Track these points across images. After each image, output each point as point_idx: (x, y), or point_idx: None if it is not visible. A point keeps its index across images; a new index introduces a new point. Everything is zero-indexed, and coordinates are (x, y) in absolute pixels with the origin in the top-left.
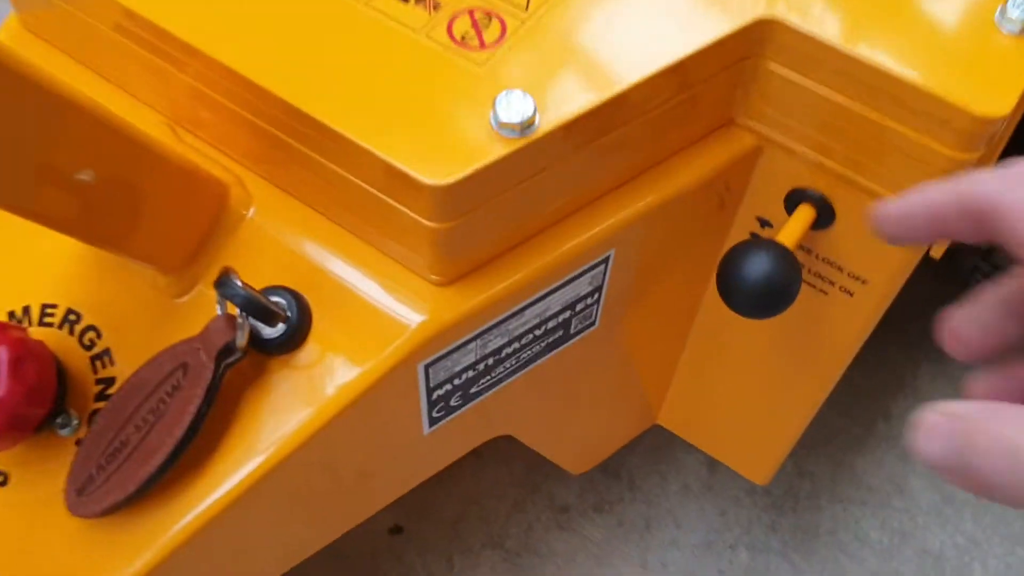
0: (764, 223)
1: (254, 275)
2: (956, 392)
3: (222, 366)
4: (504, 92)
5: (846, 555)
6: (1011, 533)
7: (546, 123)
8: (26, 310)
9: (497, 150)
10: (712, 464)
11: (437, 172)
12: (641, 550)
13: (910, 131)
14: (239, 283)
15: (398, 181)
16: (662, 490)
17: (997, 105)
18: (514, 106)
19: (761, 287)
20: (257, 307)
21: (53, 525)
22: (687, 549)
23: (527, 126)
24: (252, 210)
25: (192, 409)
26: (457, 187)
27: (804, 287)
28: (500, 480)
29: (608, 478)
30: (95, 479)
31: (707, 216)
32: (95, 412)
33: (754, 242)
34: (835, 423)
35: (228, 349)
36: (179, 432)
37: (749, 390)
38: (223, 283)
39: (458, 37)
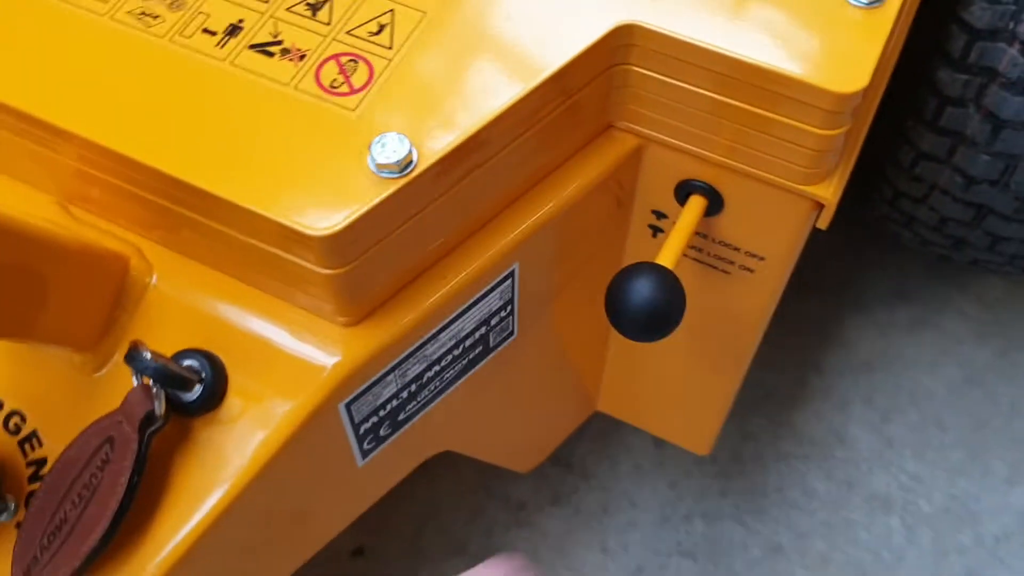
0: (659, 215)
1: (165, 341)
2: (881, 338)
3: (147, 435)
4: (379, 136)
5: (797, 509)
6: (951, 466)
7: (424, 160)
8: None
9: (379, 192)
10: (658, 441)
11: (323, 222)
12: (601, 536)
13: (778, 116)
14: (148, 355)
15: (287, 236)
16: (614, 473)
17: (855, 80)
18: (390, 148)
19: (644, 314)
20: (169, 376)
21: None
22: (645, 527)
23: (405, 165)
24: (154, 277)
25: (123, 480)
26: (345, 233)
27: (707, 269)
28: (454, 489)
29: (560, 470)
30: (39, 559)
31: (605, 215)
32: (31, 494)
33: (635, 268)
34: (769, 382)
35: (149, 418)
36: (115, 504)
37: (676, 368)
38: (132, 357)
39: (327, 85)
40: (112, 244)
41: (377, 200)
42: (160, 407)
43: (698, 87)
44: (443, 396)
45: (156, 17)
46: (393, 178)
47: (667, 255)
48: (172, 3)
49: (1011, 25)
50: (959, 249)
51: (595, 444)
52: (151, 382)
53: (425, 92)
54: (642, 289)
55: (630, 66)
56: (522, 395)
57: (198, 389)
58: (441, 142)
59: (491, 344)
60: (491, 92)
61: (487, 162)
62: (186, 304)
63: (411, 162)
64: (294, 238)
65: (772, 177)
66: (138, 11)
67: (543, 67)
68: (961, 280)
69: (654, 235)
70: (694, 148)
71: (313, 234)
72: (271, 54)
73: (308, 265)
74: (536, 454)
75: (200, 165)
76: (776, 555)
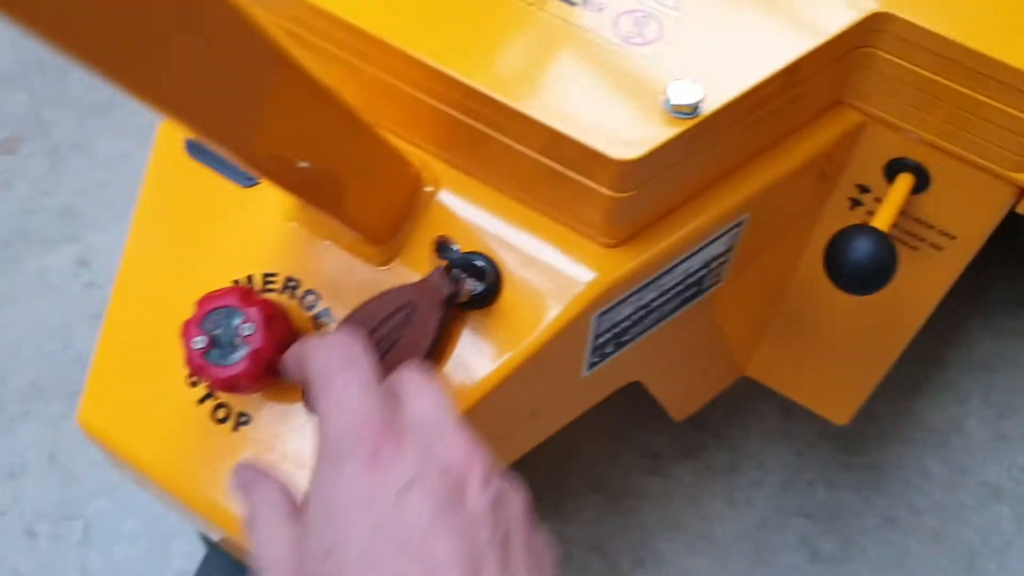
0: (864, 189)
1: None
2: (1000, 342)
3: (447, 310)
4: (675, 80)
5: (913, 487)
6: None
7: (709, 106)
8: (249, 278)
9: (672, 129)
10: (787, 412)
11: (624, 149)
12: (728, 490)
13: (997, 103)
14: (456, 247)
15: (587, 158)
16: (744, 436)
17: None
18: (685, 92)
19: (865, 270)
20: (471, 266)
21: (298, 454)
22: (770, 487)
23: (694, 108)
24: (441, 191)
25: (425, 344)
26: (640, 162)
27: (897, 244)
28: (595, 434)
29: (693, 428)
30: None
31: (812, 186)
32: None
33: (859, 228)
34: (896, 371)
35: (451, 298)
36: (420, 356)
37: (839, 337)
38: (443, 247)
39: (624, 34)
40: (410, 156)
41: (670, 135)
42: (467, 287)
43: (932, 74)
44: (657, 327)
45: None
46: (684, 119)
47: (882, 221)
48: None
49: None
50: None
51: (727, 409)
52: (454, 269)
53: (707, 49)
54: (866, 246)
55: (875, 49)
56: (704, 342)
57: (481, 285)
58: (723, 93)
59: (704, 286)
60: (766, 55)
61: (751, 115)
62: (466, 216)
63: (699, 107)
64: (594, 160)
65: (982, 161)
66: None
67: (810, 39)
68: None
69: (851, 207)
70: (914, 129)
71: (615, 157)
72: (574, 4)
73: (597, 187)
74: (693, 403)
75: (510, 86)
76: (891, 526)
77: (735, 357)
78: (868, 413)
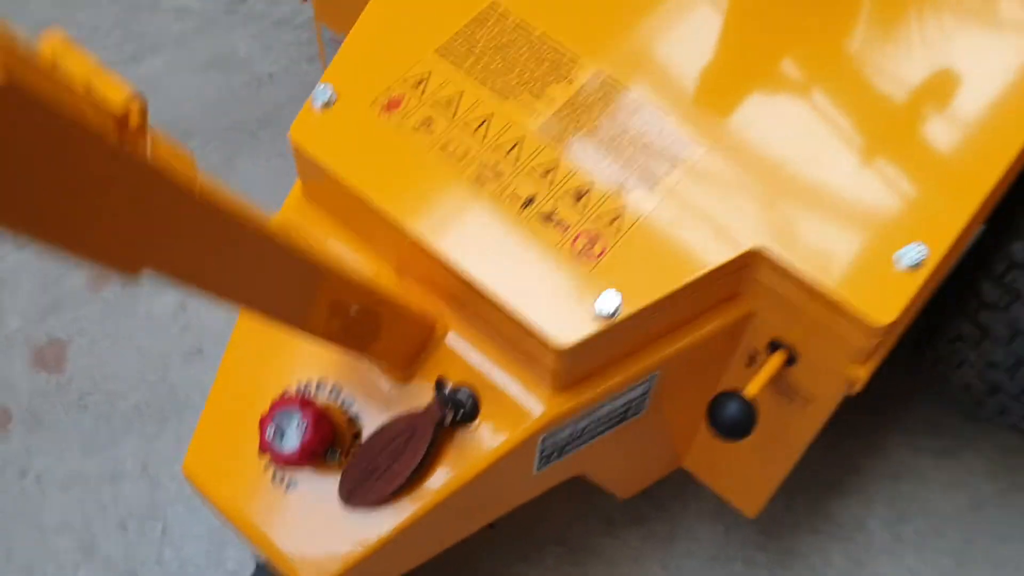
0: (754, 357)
1: (448, 373)
2: (912, 456)
3: (436, 433)
4: (604, 291)
5: (816, 574)
6: (941, 569)
7: (626, 311)
8: (307, 385)
9: (597, 326)
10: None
11: (561, 338)
12: (665, 556)
13: (839, 326)
14: (448, 386)
15: (537, 337)
16: (684, 511)
17: (887, 316)
18: (608, 302)
19: (729, 426)
20: (457, 401)
21: (327, 512)
22: (699, 558)
23: (613, 313)
24: (449, 334)
25: (419, 456)
26: (571, 348)
27: (777, 397)
28: (565, 497)
29: (644, 500)
30: (357, 489)
31: (719, 349)
32: (352, 448)
33: (728, 395)
34: (816, 472)
35: (440, 423)
36: (412, 466)
37: (745, 451)
38: (440, 385)
39: (578, 250)
40: (428, 306)
41: (594, 330)
42: (450, 417)
43: (791, 294)
44: (591, 442)
45: (487, 180)
46: (606, 319)
47: (752, 388)
48: (495, 171)
49: None
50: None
51: (674, 487)
52: (447, 403)
53: (635, 267)
54: (731, 411)
55: (752, 269)
56: (637, 447)
57: (462, 412)
58: (638, 301)
59: (628, 414)
60: (675, 273)
61: (658, 314)
62: (462, 354)
63: (617, 310)
64: (541, 340)
65: (829, 357)
66: (475, 173)
67: (705, 265)
68: (988, 427)
69: (748, 364)
70: (781, 327)
71: (553, 344)
72: (550, 221)
73: (542, 357)
74: (635, 487)
75: (491, 274)
76: None
77: (672, 453)
78: (787, 504)
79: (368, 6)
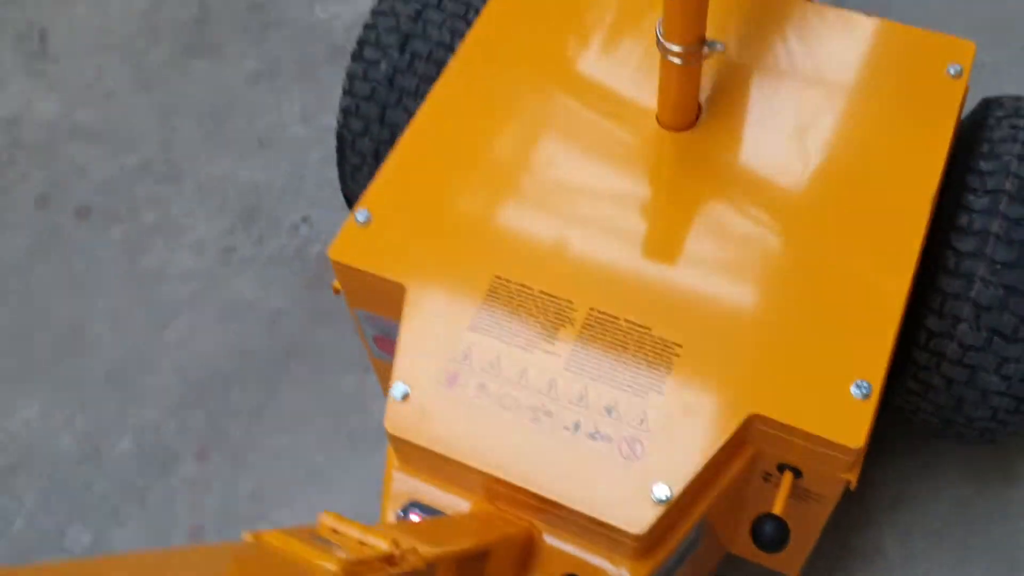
0: (768, 475)
1: (554, 567)
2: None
3: None
4: (655, 483)
5: None
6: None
7: (673, 493)
8: None
9: (659, 510)
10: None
11: (635, 526)
12: None
13: (819, 448)
14: None
15: (615, 531)
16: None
17: (858, 440)
18: (661, 490)
19: (771, 542)
20: None
21: None
22: None
23: (667, 497)
24: (545, 536)
25: None
26: (644, 533)
27: (794, 500)
28: None
29: None
30: None
31: (741, 481)
32: None
33: (767, 516)
34: (836, 554)
35: None
36: None
37: None
38: None
39: (624, 454)
40: (523, 520)
41: (658, 513)
42: None
43: (790, 437)
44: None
45: (540, 419)
46: (663, 503)
47: (778, 507)
48: (544, 410)
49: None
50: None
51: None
52: None
53: (671, 454)
54: (769, 531)
55: (755, 425)
56: (698, 565)
57: None
58: (679, 484)
59: (688, 551)
60: (700, 453)
61: (700, 480)
62: (563, 549)
63: (670, 496)
64: (619, 532)
65: (826, 470)
66: (530, 415)
67: (715, 443)
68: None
69: (765, 480)
70: (787, 453)
71: (631, 532)
72: (596, 438)
73: (624, 540)
74: None
75: (571, 494)
76: None
77: (720, 552)
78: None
79: (403, 327)
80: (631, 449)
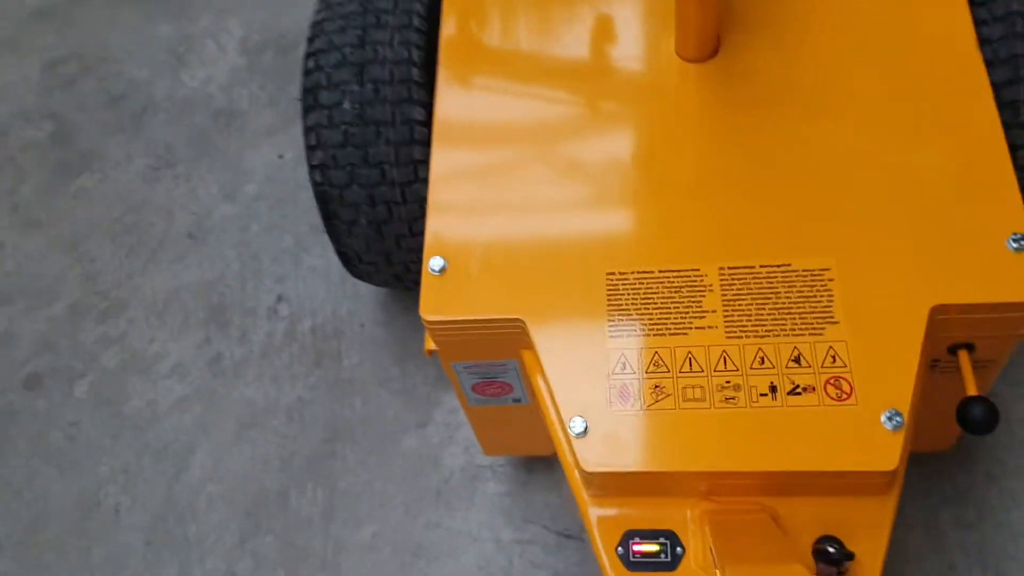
0: (934, 364)
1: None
2: None
3: None
4: (885, 411)
5: None
6: None
7: (906, 416)
8: None
9: (900, 437)
10: None
11: (888, 463)
12: None
13: (990, 318)
14: (821, 549)
15: (855, 477)
16: None
17: None
18: (890, 416)
19: (983, 423)
20: (829, 554)
21: None
22: None
23: (901, 424)
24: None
25: None
26: (900, 461)
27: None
28: None
29: None
30: None
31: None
32: None
33: (973, 399)
34: None
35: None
36: None
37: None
38: (816, 553)
39: (834, 397)
40: (757, 507)
41: (903, 442)
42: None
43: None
44: None
45: (733, 398)
46: (900, 428)
47: (971, 387)
48: (733, 388)
49: None
50: None
51: None
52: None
53: (880, 376)
54: (981, 413)
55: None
56: None
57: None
58: (904, 406)
59: None
60: (906, 362)
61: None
62: (804, 517)
63: (901, 419)
64: (875, 473)
65: (999, 337)
66: (721, 399)
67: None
68: None
69: (932, 368)
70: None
71: (882, 469)
72: (798, 393)
73: (869, 481)
74: None
75: (804, 458)
76: None
77: None
78: None
79: (545, 364)
80: (838, 390)
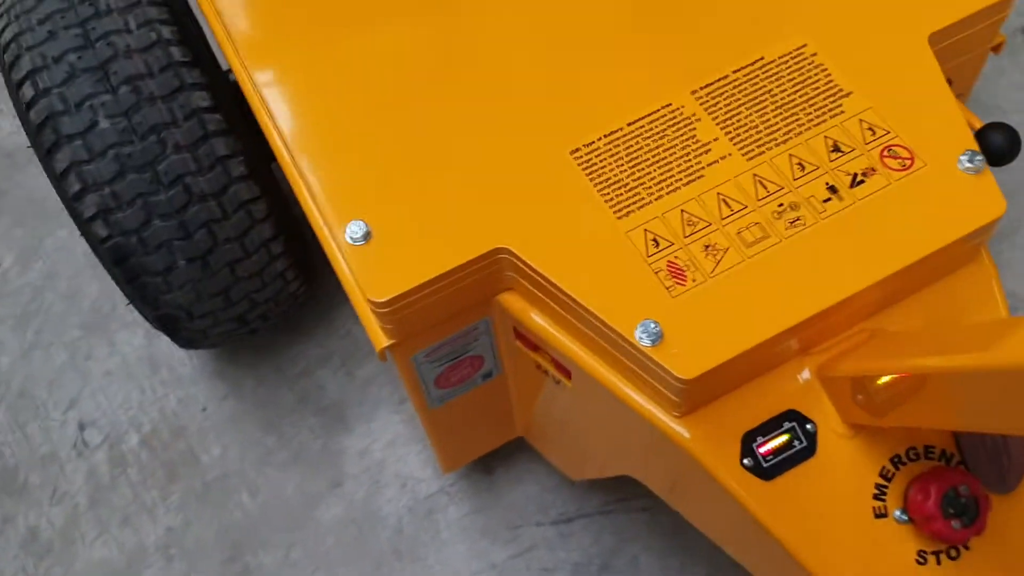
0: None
1: None
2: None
3: None
4: (962, 154)
5: None
6: None
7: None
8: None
9: (993, 179)
10: None
11: (997, 208)
12: None
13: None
14: None
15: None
16: None
17: None
18: (969, 158)
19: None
20: None
21: None
22: None
23: (981, 162)
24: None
25: None
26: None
27: None
28: None
29: None
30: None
31: None
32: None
33: (996, 124)
34: None
35: None
36: None
37: None
38: None
39: (897, 167)
40: (864, 334)
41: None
42: None
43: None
44: None
45: (788, 218)
46: (981, 171)
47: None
48: (789, 205)
49: None
50: None
51: None
52: None
53: (943, 134)
54: (1001, 140)
55: None
56: None
57: None
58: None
59: None
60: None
61: None
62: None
63: (981, 159)
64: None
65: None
66: (784, 222)
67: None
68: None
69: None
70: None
71: (1000, 214)
72: (861, 182)
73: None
74: None
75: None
76: None
77: None
78: None
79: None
80: (898, 159)
